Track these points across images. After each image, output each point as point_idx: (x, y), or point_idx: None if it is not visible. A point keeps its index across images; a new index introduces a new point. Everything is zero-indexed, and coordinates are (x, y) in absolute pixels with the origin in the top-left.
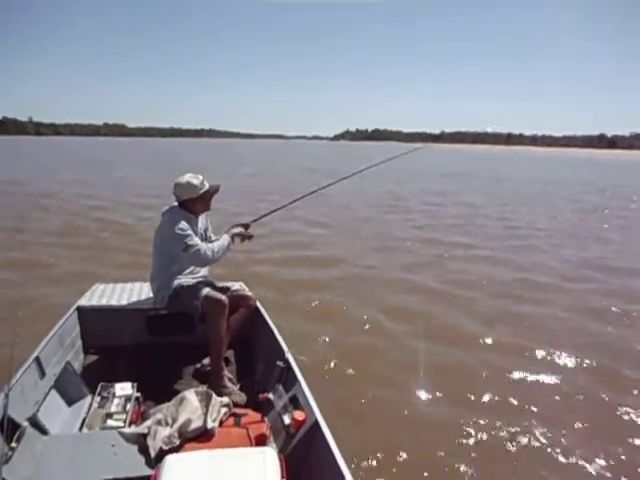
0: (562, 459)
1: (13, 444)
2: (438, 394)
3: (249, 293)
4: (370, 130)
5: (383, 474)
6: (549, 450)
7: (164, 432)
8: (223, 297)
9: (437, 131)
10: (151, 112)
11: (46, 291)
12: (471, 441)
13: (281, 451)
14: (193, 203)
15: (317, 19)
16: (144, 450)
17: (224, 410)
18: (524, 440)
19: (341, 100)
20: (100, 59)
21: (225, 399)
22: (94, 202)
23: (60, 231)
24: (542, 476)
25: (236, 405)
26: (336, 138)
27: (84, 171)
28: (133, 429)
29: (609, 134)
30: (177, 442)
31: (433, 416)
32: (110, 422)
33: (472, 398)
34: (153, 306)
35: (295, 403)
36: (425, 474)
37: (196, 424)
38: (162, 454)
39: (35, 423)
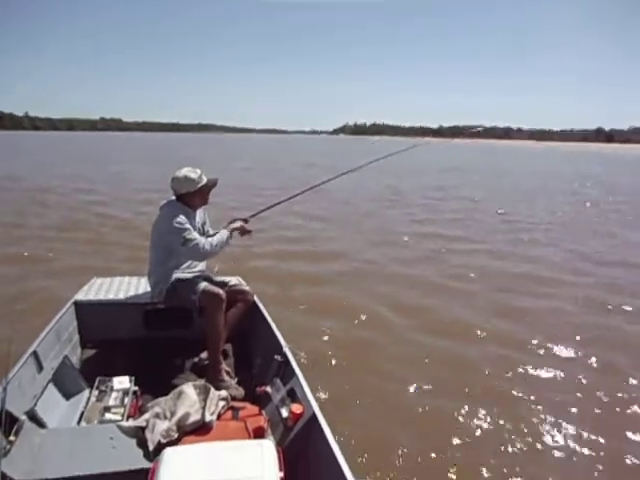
0: (563, 453)
1: (11, 438)
2: (437, 387)
3: (246, 288)
4: (369, 124)
5: (380, 466)
6: (549, 444)
7: (162, 425)
8: (221, 291)
9: (435, 125)
10: (148, 107)
11: (44, 285)
12: (469, 434)
13: (279, 444)
14: (191, 197)
15: (317, 17)
16: (142, 443)
17: (222, 403)
18: (523, 433)
19: (340, 95)
20: (98, 55)
21: (223, 393)
22: (92, 197)
23: (58, 226)
24: (541, 470)
25: (234, 399)
26: (335, 132)
27: (81, 166)
28: (131, 422)
29: (607, 128)
30: (175, 435)
31: (431, 409)
32: (108, 416)
33: (471, 391)
34: (150, 300)
35: (293, 396)
36: (422, 467)
37: (194, 417)
38: (160, 447)
39: (33, 417)
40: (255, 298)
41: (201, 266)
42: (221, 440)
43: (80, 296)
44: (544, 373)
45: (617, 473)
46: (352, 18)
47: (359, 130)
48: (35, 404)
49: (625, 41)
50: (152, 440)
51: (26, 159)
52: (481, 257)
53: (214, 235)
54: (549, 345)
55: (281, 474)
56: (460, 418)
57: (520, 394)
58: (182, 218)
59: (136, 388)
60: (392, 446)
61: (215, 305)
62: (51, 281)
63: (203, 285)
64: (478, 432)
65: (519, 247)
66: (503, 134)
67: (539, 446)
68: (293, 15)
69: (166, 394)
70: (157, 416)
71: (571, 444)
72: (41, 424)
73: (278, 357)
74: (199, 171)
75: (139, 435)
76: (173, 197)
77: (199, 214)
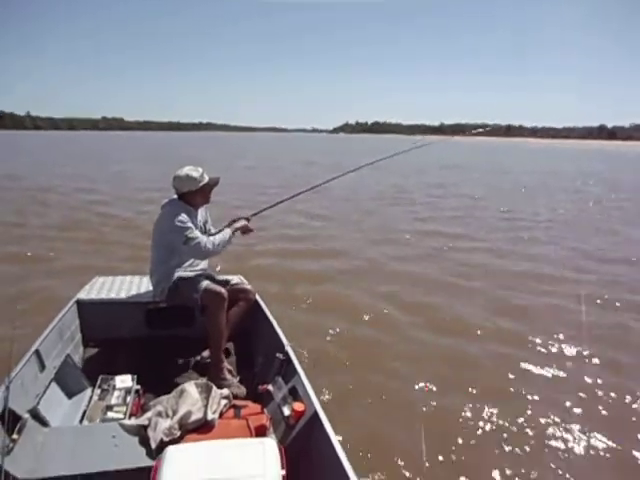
0: (567, 453)
1: (14, 436)
2: (440, 386)
3: (248, 286)
4: (370, 122)
5: (382, 465)
6: (553, 444)
7: (164, 424)
8: (222, 290)
9: (436, 123)
10: (149, 106)
11: (46, 284)
12: (473, 433)
13: (281, 442)
14: (193, 196)
15: (317, 17)
16: (145, 442)
17: (224, 402)
18: (527, 433)
19: (340, 94)
20: (99, 54)
21: (225, 391)
22: (93, 196)
23: (59, 225)
24: (545, 470)
25: (236, 397)
26: (335, 131)
27: (83, 165)
28: (133, 421)
29: (609, 125)
30: (177, 434)
31: (434, 407)
32: (110, 414)
33: (474, 389)
34: (152, 299)
35: (294, 394)
36: (425, 465)
37: (196, 416)
38: (163, 445)
39: (36, 415)
40: (257, 297)
41: (203, 265)
42: (223, 438)
43: (82, 295)
44: (548, 371)
45: (619, 473)
46: (352, 18)
47: (359, 128)
48: (38, 403)
49: (627, 40)
50: (154, 438)
51: (27, 158)
52: (483, 255)
53: (216, 234)
54: (553, 343)
55: (283, 472)
56: (463, 417)
57: (523, 392)
58: (184, 217)
59: (138, 387)
60: (394, 444)
61: (217, 304)
62: (53, 280)
63: (205, 284)
64: (482, 431)
65: (521, 245)
66: (504, 131)
67: (543, 446)
68: (293, 15)
69: (168, 392)
70: (159, 414)
71: (575, 444)
72: (44, 423)
73: (280, 355)
74: (201, 170)
75: (141, 433)
76: (175, 196)
77: (201, 213)
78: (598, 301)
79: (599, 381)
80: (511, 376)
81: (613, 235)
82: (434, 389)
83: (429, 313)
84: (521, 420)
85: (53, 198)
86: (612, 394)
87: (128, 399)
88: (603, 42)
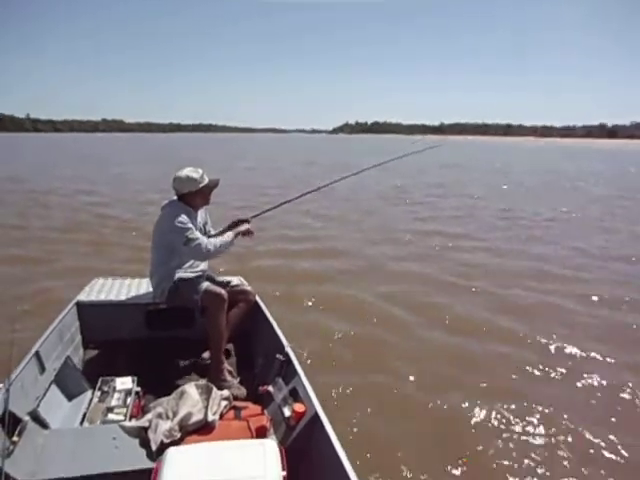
0: (572, 453)
1: (14, 438)
2: (443, 386)
3: (248, 288)
4: (369, 123)
5: (384, 466)
6: (562, 444)
7: (165, 425)
8: (222, 291)
9: (436, 123)
10: (149, 108)
11: (46, 286)
12: (475, 433)
13: (281, 443)
14: (193, 197)
15: (317, 17)
16: (145, 443)
17: (224, 403)
18: (532, 433)
19: (340, 94)
20: (99, 55)
21: (225, 392)
22: (93, 198)
23: (60, 227)
24: (550, 470)
25: (236, 398)
26: (335, 131)
27: (83, 167)
28: (134, 423)
29: (609, 124)
30: (178, 435)
31: (436, 408)
32: (111, 416)
33: (477, 389)
34: (152, 300)
35: (295, 395)
36: (427, 467)
37: (197, 417)
38: (163, 447)
39: (36, 417)
40: (257, 298)
41: (203, 266)
42: (223, 440)
43: (82, 297)
44: (554, 371)
45: (621, 473)
46: (352, 18)
47: (359, 129)
48: (38, 405)
49: (627, 40)
50: (155, 440)
51: (28, 161)
52: (484, 254)
53: (216, 236)
54: (557, 343)
55: (284, 473)
56: (466, 417)
57: (526, 393)
58: (184, 218)
59: (138, 388)
60: (396, 445)
61: (217, 305)
62: (53, 282)
63: (205, 285)
64: (484, 432)
65: (523, 244)
66: (504, 131)
67: (548, 446)
68: (293, 15)
69: (168, 394)
70: (159, 416)
71: (582, 443)
72: (44, 425)
73: (280, 356)
74: (201, 171)
75: (142, 435)
76: (175, 197)
77: (201, 214)
78: (605, 299)
79: (607, 380)
80: (515, 376)
81: (616, 233)
82: (437, 389)
83: (430, 313)
84: (526, 421)
85: (54, 200)
86: (616, 393)
87: (128, 401)
88: (603, 42)
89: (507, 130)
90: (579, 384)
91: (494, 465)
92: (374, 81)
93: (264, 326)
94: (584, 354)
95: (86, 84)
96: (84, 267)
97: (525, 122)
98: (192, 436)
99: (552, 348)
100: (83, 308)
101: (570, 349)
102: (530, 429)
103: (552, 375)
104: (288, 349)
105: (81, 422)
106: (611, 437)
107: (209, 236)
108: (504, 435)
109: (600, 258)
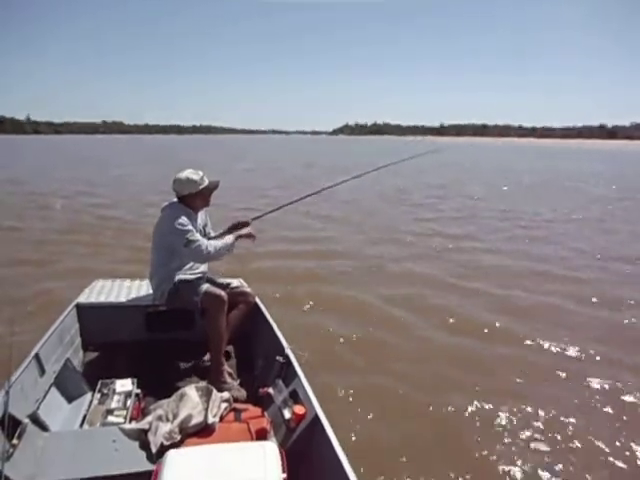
0: (573, 454)
1: (14, 441)
2: (444, 387)
3: (248, 289)
4: (369, 124)
5: (384, 469)
6: (562, 446)
7: (165, 428)
8: (222, 293)
9: (436, 124)
10: (149, 109)
11: (45, 288)
12: (477, 436)
13: (281, 445)
14: (193, 199)
15: (317, 17)
16: (145, 446)
17: (224, 405)
18: (534, 435)
19: (340, 95)
20: (99, 57)
21: (225, 394)
22: (93, 200)
23: (60, 229)
24: (554, 473)
25: (236, 400)
26: (335, 133)
27: (83, 169)
28: (134, 425)
29: (609, 124)
30: (178, 437)
31: (438, 410)
32: (111, 418)
33: (479, 391)
34: (152, 302)
35: (295, 397)
36: (427, 470)
37: (197, 419)
38: (163, 449)
39: (36, 420)
40: (257, 299)
41: (203, 267)
42: (224, 442)
43: (82, 299)
44: (555, 372)
45: (622, 474)
46: (352, 18)
47: (359, 130)
48: (38, 407)
49: (627, 40)
50: (155, 442)
51: (28, 163)
52: (485, 255)
53: (216, 238)
54: (557, 343)
55: (284, 476)
56: (467, 420)
57: (527, 394)
58: (184, 219)
59: (138, 391)
60: (397, 448)
61: (217, 307)
62: (53, 284)
63: (205, 287)
64: (486, 434)
65: (525, 245)
66: (503, 132)
67: (549, 449)
68: (293, 15)
69: (168, 396)
70: (160, 418)
71: (582, 445)
72: (44, 427)
73: (280, 358)
74: (201, 173)
75: (142, 437)
76: (175, 199)
77: (200, 216)
78: (606, 299)
79: (603, 382)
80: (515, 378)
81: (616, 234)
82: (439, 391)
83: (431, 314)
84: (526, 423)
85: (54, 202)
86: (617, 394)
87: (128, 403)
88: (603, 42)
89: (506, 131)
90: (580, 385)
91: (494, 467)
92: (374, 82)
93: (264, 328)
94: (584, 355)
95: (87, 85)
96: (84, 269)
97: (525, 123)
98: (192, 438)
99: (553, 349)
100: (83, 310)
101: (570, 350)
102: (531, 431)
103: (553, 377)
104: (288, 351)
105: (81, 424)
106: (611, 438)
107: (209, 238)
108: (505, 437)
109: (601, 258)
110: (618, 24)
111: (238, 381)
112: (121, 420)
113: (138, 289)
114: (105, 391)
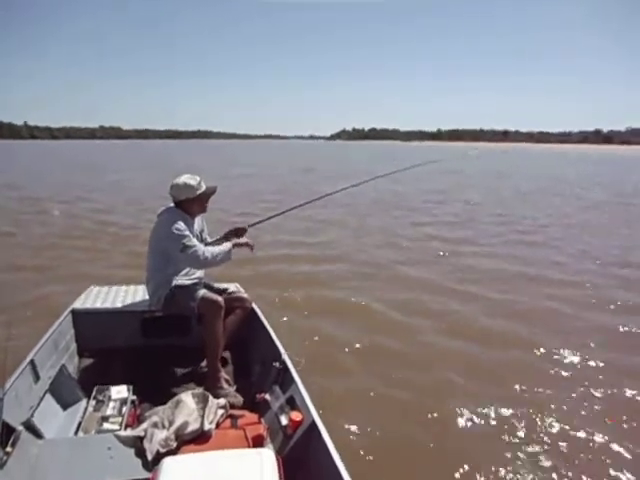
0: (575, 455)
1: (8, 449)
2: (442, 392)
3: (245, 295)
4: (367, 129)
5: (382, 475)
6: (562, 448)
7: (161, 435)
8: (219, 298)
9: (434, 129)
10: (147, 114)
11: (41, 294)
12: (476, 443)
13: (278, 452)
14: (190, 204)
15: (317, 17)
16: (141, 453)
17: (221, 412)
18: (532, 440)
19: (338, 99)
20: (101, 59)
21: (222, 401)
22: (90, 205)
23: (56, 234)
24: (551, 471)
25: (233, 407)
26: (332, 138)
27: (81, 174)
28: (129, 432)
29: (605, 129)
30: (174, 445)
31: (436, 416)
32: (106, 425)
33: (478, 396)
34: (148, 308)
35: (292, 404)
36: (426, 475)
37: (193, 426)
38: (159, 457)
39: (30, 427)
40: (253, 305)
41: (200, 273)
42: (220, 449)
43: (77, 305)
44: (555, 375)
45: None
46: (352, 18)
47: (356, 135)
48: (32, 414)
49: (627, 40)
50: (150, 450)
51: (25, 168)
52: (484, 259)
53: (213, 244)
54: (557, 346)
55: None
56: (467, 426)
57: (527, 397)
58: (181, 224)
59: (134, 397)
60: (395, 455)
61: (214, 312)
62: (48, 289)
63: (202, 292)
64: (487, 442)
65: (526, 249)
66: (501, 137)
67: (549, 451)
68: (293, 15)
69: (164, 403)
70: (155, 425)
71: (583, 446)
72: (38, 435)
73: (277, 364)
74: (198, 178)
75: (137, 445)
76: (172, 204)
77: (197, 221)
78: (604, 302)
79: (603, 384)
80: (515, 381)
81: (617, 237)
82: (437, 397)
83: (430, 318)
84: (526, 426)
85: (51, 207)
86: (616, 397)
87: (124, 410)
88: (603, 42)
89: (504, 136)
90: (579, 389)
91: (495, 475)
92: (373, 83)
93: (261, 333)
94: (583, 359)
95: (87, 87)
96: (79, 274)
97: (521, 128)
98: (188, 445)
99: (552, 352)
100: (78, 316)
101: (569, 353)
102: (531, 434)
103: (551, 381)
104: (285, 357)
105: (76, 432)
106: (612, 439)
107: (206, 244)
108: (505, 443)
109: (601, 263)
110: (618, 24)
111: (235, 387)
112: (116, 427)
113: (134, 294)
114: (100, 398)
